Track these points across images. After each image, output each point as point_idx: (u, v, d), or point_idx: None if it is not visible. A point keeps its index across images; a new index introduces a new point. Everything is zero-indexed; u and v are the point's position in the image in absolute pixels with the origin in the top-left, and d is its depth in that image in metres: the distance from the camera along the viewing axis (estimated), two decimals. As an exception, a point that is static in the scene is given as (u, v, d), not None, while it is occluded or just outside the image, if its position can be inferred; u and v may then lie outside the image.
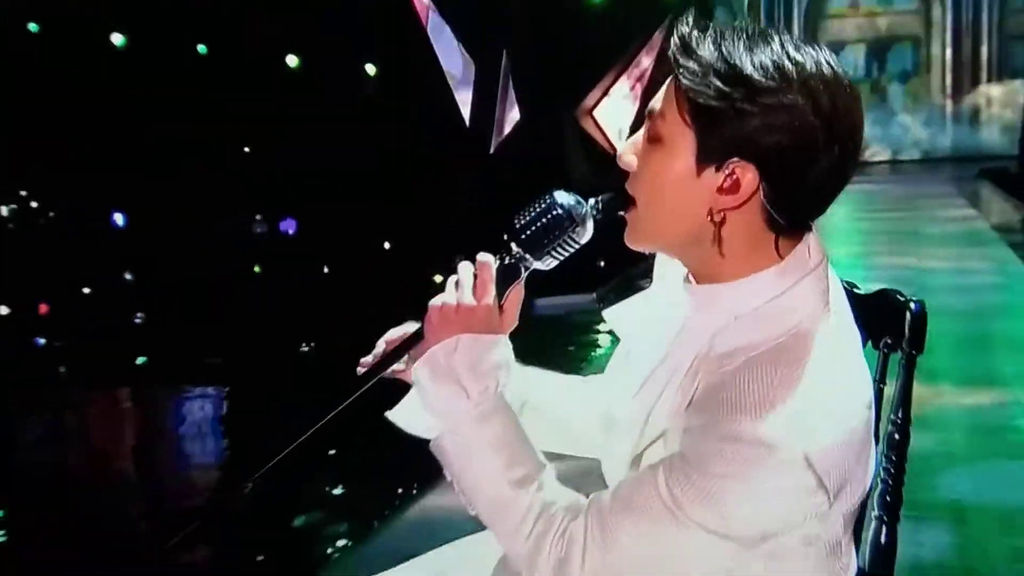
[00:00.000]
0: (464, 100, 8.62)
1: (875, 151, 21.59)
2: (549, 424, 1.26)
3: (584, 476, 1.17)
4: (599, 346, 5.64)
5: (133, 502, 3.76)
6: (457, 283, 1.12)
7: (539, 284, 1.17)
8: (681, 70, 1.02)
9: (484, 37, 8.48)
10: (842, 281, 1.17)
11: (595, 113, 9.88)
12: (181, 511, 3.52)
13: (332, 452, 3.85)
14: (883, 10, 22.51)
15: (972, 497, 3.29)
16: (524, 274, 1.13)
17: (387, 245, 8.48)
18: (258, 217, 9.50)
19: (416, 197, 8.06)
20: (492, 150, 8.80)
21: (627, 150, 1.10)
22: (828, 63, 1.03)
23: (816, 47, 1.05)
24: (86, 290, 7.45)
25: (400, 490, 3.25)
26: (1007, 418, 4.14)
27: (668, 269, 1.21)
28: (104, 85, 8.22)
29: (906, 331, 1.28)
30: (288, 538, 3.29)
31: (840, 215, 10.95)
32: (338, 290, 7.06)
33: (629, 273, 1.29)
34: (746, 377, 1.01)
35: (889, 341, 1.30)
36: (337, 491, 3.69)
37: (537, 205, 1.11)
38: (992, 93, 21.99)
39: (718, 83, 1.00)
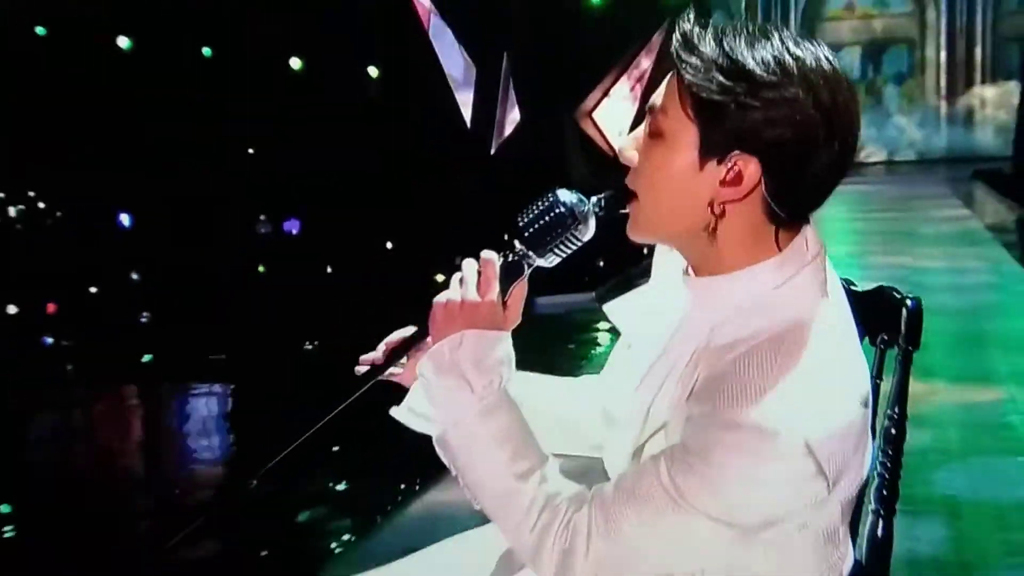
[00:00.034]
0: (465, 102, 8.62)
1: (871, 152, 21.59)
2: (548, 425, 1.26)
3: (584, 475, 1.17)
4: (599, 344, 5.65)
5: (139, 498, 3.77)
6: (461, 280, 1.13)
7: (540, 283, 1.17)
8: (684, 65, 1.03)
9: (485, 40, 8.48)
10: (839, 278, 1.18)
11: (594, 115, 9.88)
12: (186, 507, 3.52)
13: (335, 448, 3.86)
14: (878, 13, 22.52)
15: (967, 492, 3.30)
16: (527, 271, 1.13)
17: (389, 245, 8.49)
18: (262, 217, 9.51)
19: (418, 198, 8.06)
20: (493, 151, 8.80)
21: (628, 146, 1.10)
22: (827, 59, 1.04)
23: (815, 43, 1.05)
24: (93, 289, 7.46)
25: (403, 486, 3.25)
26: (1001, 415, 4.14)
27: (666, 264, 1.21)
28: (110, 87, 8.22)
29: (902, 327, 1.29)
30: (292, 533, 3.29)
31: (836, 215, 10.96)
32: (341, 289, 7.06)
33: (628, 272, 1.29)
34: (746, 366, 1.01)
35: (886, 337, 1.31)
36: (340, 487, 3.70)
37: (540, 203, 1.11)
38: (986, 95, 21.99)
39: (720, 78, 1.01)
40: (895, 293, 1.31)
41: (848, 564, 1.16)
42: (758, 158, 1.03)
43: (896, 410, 1.30)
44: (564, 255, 1.13)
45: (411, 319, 1.18)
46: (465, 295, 1.11)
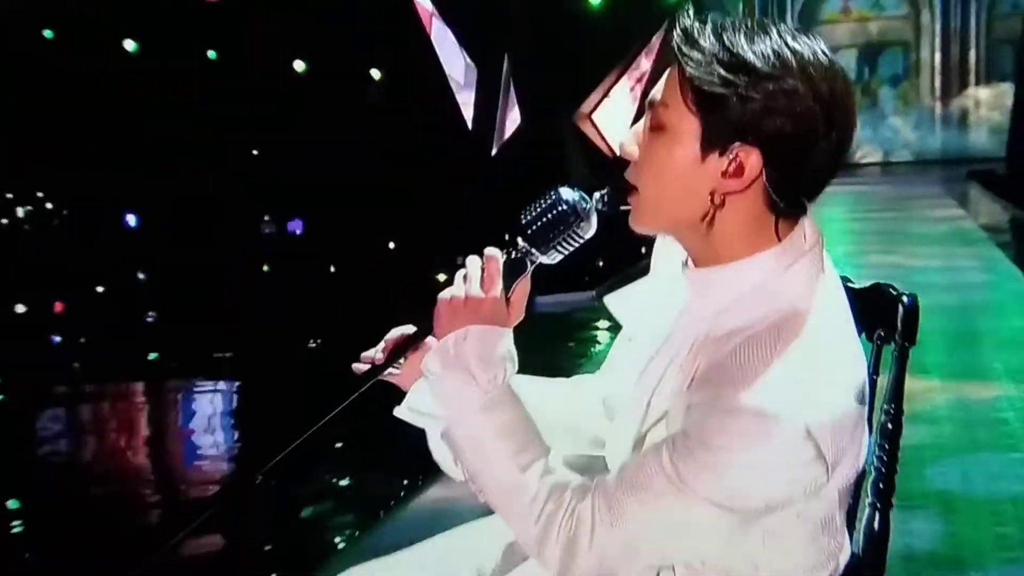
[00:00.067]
0: (467, 103, 8.62)
1: (866, 153, 21.58)
2: (548, 426, 1.26)
3: (586, 472, 1.17)
4: (598, 343, 5.65)
5: (145, 493, 3.77)
6: (465, 276, 1.13)
7: (540, 282, 1.18)
8: (685, 59, 1.03)
9: (485, 42, 8.48)
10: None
11: (594, 116, 9.88)
12: (192, 501, 3.52)
13: (339, 445, 3.86)
14: (874, 16, 22.50)
15: (961, 488, 3.30)
16: (530, 268, 1.13)
17: (391, 245, 8.50)
18: (266, 218, 9.52)
19: (419, 199, 8.07)
20: (494, 152, 8.80)
21: (629, 140, 1.10)
22: (823, 52, 1.05)
23: (811, 37, 1.06)
24: (100, 289, 7.46)
25: (406, 481, 3.24)
26: (994, 411, 4.14)
27: (666, 257, 1.21)
28: (117, 90, 8.22)
29: (899, 324, 1.29)
30: (296, 529, 3.29)
31: (833, 215, 10.95)
32: (344, 288, 7.06)
33: (627, 271, 1.29)
34: (746, 353, 1.01)
35: (882, 333, 1.31)
36: (344, 483, 3.70)
37: (543, 201, 1.12)
38: (980, 96, 21.98)
39: (722, 71, 1.02)
40: (891, 290, 1.31)
41: (844, 556, 1.16)
42: (759, 149, 1.03)
43: (892, 404, 1.30)
44: (566, 252, 1.13)
45: (413, 318, 1.18)
46: (469, 291, 1.11)
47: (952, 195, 14.47)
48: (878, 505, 1.28)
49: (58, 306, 6.99)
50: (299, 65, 8.98)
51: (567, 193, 1.11)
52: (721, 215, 1.06)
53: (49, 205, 8.91)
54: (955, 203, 13.48)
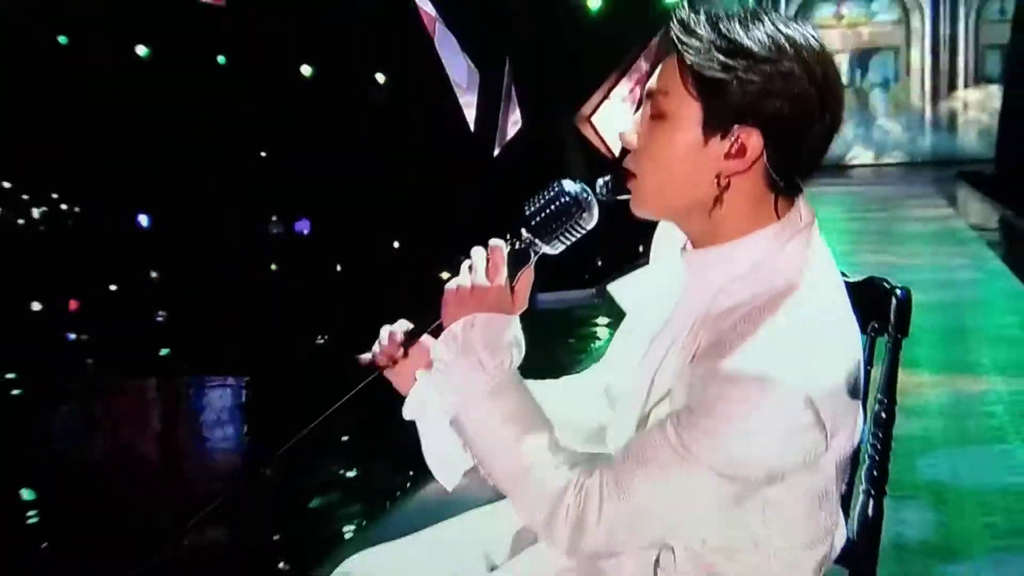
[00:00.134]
0: (469, 106, 8.61)
1: (858, 154, 21.56)
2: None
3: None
4: (598, 339, 5.65)
5: (156, 484, 3.77)
6: (471, 267, 1.13)
7: (541, 280, 1.18)
8: (684, 47, 1.05)
9: (487, 45, 8.47)
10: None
11: (593, 119, 9.86)
12: (202, 493, 3.52)
13: (346, 438, 3.86)
14: (866, 21, 22.47)
15: (951, 478, 3.30)
16: (534, 258, 1.14)
17: (396, 244, 8.50)
18: (274, 218, 9.52)
19: (423, 199, 8.06)
20: (496, 154, 8.79)
21: (629, 130, 1.12)
22: (814, 37, 1.07)
23: (802, 23, 1.09)
24: (113, 287, 7.47)
25: (411, 472, 3.24)
26: (983, 405, 4.15)
27: (666, 244, 1.22)
28: (126, 92, 8.23)
29: (892, 316, 1.29)
30: (304, 518, 3.29)
31: (826, 215, 10.92)
32: (350, 287, 7.06)
33: (627, 270, 1.29)
34: (745, 325, 1.03)
35: (876, 326, 1.31)
36: (351, 473, 3.70)
37: (546, 193, 1.13)
38: (969, 99, 21.95)
39: (721, 56, 1.04)
40: (885, 283, 1.31)
41: (840, 536, 1.17)
42: (760, 130, 1.05)
43: (886, 395, 1.31)
44: (569, 242, 1.13)
45: (415, 315, 1.18)
46: (475, 280, 1.12)
47: (942, 195, 14.45)
48: (872, 492, 1.29)
49: (73, 304, 6.99)
50: (306, 69, 8.98)
51: (569, 185, 1.12)
52: (725, 196, 1.07)
53: (64, 206, 8.91)
54: (945, 203, 13.47)
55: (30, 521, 3.38)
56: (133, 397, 5.11)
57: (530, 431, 1.10)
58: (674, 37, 1.06)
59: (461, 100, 8.54)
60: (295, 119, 8.52)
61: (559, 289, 6.03)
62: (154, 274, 7.93)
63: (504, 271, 1.12)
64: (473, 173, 8.34)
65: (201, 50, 8.67)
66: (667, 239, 1.22)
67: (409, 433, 1.19)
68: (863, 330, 1.31)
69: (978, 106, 21.60)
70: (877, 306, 1.30)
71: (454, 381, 1.11)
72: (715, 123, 1.05)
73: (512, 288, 1.13)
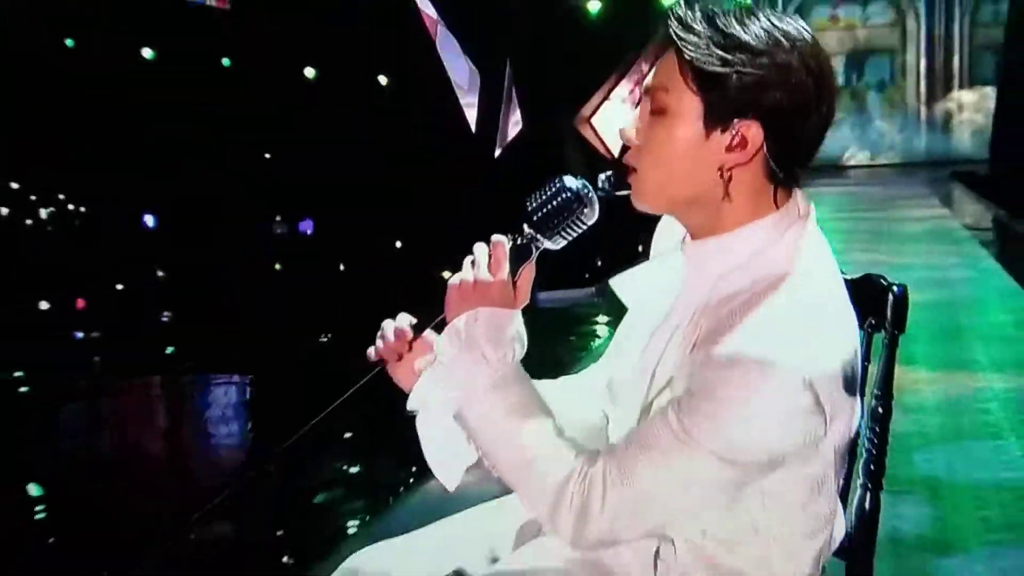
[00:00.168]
0: (470, 107, 8.61)
1: (854, 154, 21.56)
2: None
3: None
4: (598, 337, 5.65)
5: (161, 480, 3.77)
6: (473, 262, 1.13)
7: (542, 279, 1.18)
8: (683, 43, 1.06)
9: (488, 47, 8.47)
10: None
11: (593, 120, 9.85)
12: (207, 489, 3.52)
13: (349, 434, 3.86)
14: (861, 24, 22.47)
15: (946, 474, 3.30)
16: (535, 253, 1.14)
17: (398, 244, 8.50)
18: (278, 218, 9.53)
19: (425, 199, 8.06)
20: (496, 155, 8.79)
21: (629, 126, 1.12)
22: (807, 29, 1.09)
23: (793, 17, 1.10)
24: (119, 287, 7.47)
25: (414, 468, 3.24)
26: (978, 401, 4.15)
27: (666, 239, 1.23)
28: (135, 95, 8.23)
29: (889, 312, 1.29)
30: (307, 514, 3.29)
31: (822, 215, 10.84)
32: (353, 286, 7.06)
33: (628, 266, 1.29)
34: (744, 311, 1.03)
35: (873, 322, 1.31)
36: (354, 469, 3.70)
37: (547, 189, 1.13)
38: (963, 100, 21.94)
39: (719, 51, 1.04)
40: (882, 280, 1.31)
41: (840, 528, 1.17)
42: (759, 122, 1.06)
43: (883, 389, 1.31)
44: (570, 238, 1.13)
45: (418, 314, 1.17)
46: (478, 275, 1.12)
47: (937, 195, 14.44)
48: (869, 486, 1.29)
49: (80, 303, 7.00)
50: (309, 71, 8.98)
51: (570, 181, 1.12)
52: (726, 187, 1.08)
53: (71, 207, 8.91)
54: (939, 203, 13.47)
55: (38, 517, 3.38)
56: (138, 395, 5.11)
57: (533, 423, 1.10)
58: (672, 33, 1.07)
59: (462, 101, 8.54)
60: (298, 120, 8.53)
61: (559, 288, 6.03)
62: (160, 273, 7.93)
63: (506, 266, 1.12)
64: (474, 173, 8.34)
65: (206, 52, 8.67)
66: (668, 234, 1.22)
67: (412, 429, 1.19)
68: (860, 326, 1.31)
69: (972, 107, 21.60)
70: (874, 303, 1.30)
71: (457, 375, 1.11)
72: (716, 117, 1.06)
73: (514, 283, 1.13)
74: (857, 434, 1.19)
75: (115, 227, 8.63)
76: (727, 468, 1.02)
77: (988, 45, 20.86)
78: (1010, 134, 14.37)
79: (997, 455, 3.49)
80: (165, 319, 6.68)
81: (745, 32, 1.05)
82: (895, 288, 1.30)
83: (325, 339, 5.73)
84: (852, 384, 1.06)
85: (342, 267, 8.08)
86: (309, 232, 9.58)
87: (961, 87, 22.12)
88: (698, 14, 1.07)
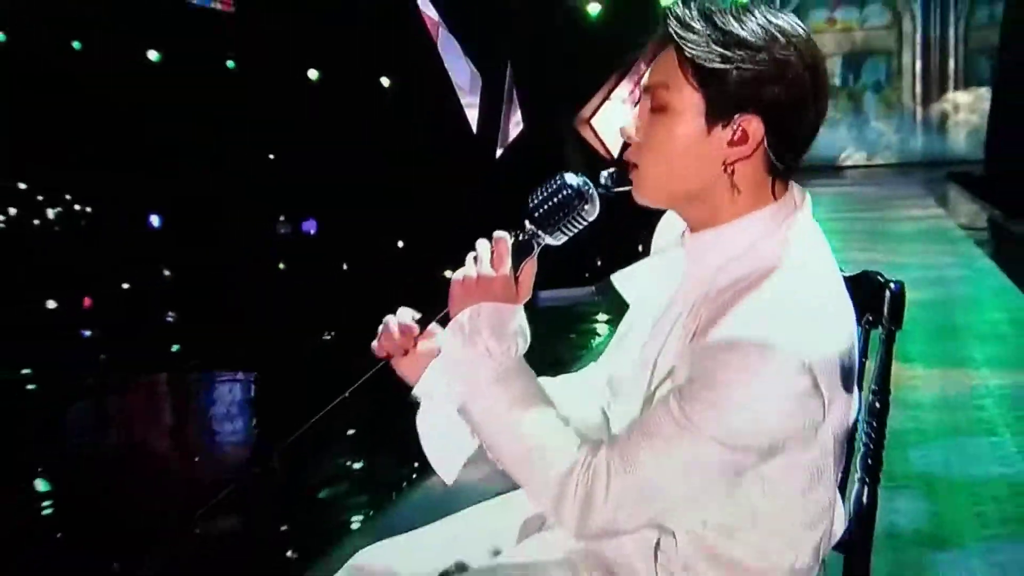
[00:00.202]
0: (471, 109, 8.61)
1: (850, 155, 21.55)
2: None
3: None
4: (598, 335, 5.65)
5: (167, 476, 3.77)
6: (476, 258, 1.13)
7: (543, 278, 1.18)
8: (683, 41, 1.07)
9: (489, 50, 8.47)
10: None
11: (593, 121, 9.85)
12: (212, 484, 3.52)
13: (352, 431, 3.86)
14: (858, 25, 22.46)
15: (942, 470, 3.30)
16: (537, 249, 1.14)
17: (400, 244, 8.50)
18: (282, 219, 9.53)
19: (427, 199, 8.07)
20: (497, 156, 8.79)
21: (630, 124, 1.13)
22: (800, 24, 1.10)
23: (786, 13, 1.11)
24: (125, 286, 7.48)
25: (417, 464, 3.25)
26: (973, 398, 4.15)
27: (667, 234, 1.23)
28: (142, 97, 8.23)
29: (886, 309, 1.29)
30: (311, 509, 3.29)
31: (819, 215, 10.87)
32: (355, 285, 7.07)
33: (628, 264, 1.29)
34: (742, 297, 1.04)
35: (870, 318, 1.31)
36: (358, 465, 3.70)
37: (549, 186, 1.13)
38: (959, 101, 21.92)
39: (719, 48, 1.05)
40: (879, 277, 1.31)
41: (840, 521, 1.17)
42: (760, 116, 1.07)
43: (880, 384, 1.31)
44: (571, 234, 1.14)
45: (421, 311, 1.17)
46: (480, 270, 1.12)
47: (933, 195, 14.43)
48: (867, 480, 1.29)
49: (86, 301, 7.00)
50: (312, 73, 8.98)
51: (571, 178, 1.12)
52: (727, 181, 1.09)
53: (77, 207, 8.92)
54: (935, 203, 13.45)
55: (45, 512, 3.38)
56: (144, 392, 5.11)
57: (537, 415, 1.10)
58: (672, 32, 1.08)
59: (463, 102, 8.54)
60: (301, 121, 8.53)
61: (559, 287, 6.03)
62: (166, 272, 7.94)
63: (509, 261, 1.12)
64: (475, 174, 8.34)
65: (211, 54, 8.67)
66: (668, 231, 1.23)
67: (414, 426, 1.19)
68: (858, 322, 1.31)
69: (968, 108, 21.58)
70: (871, 299, 1.30)
71: (461, 368, 1.11)
72: (717, 112, 1.07)
73: (516, 278, 1.13)
74: (855, 428, 1.19)
75: (121, 227, 8.63)
76: (728, 453, 1.02)
77: (983, 47, 20.85)
78: (1005, 135, 14.36)
79: (992, 451, 3.49)
80: (171, 318, 6.68)
81: (742, 28, 1.06)
82: (892, 284, 1.30)
83: (328, 337, 5.74)
84: (849, 373, 1.07)
85: (345, 266, 8.08)
86: (312, 232, 9.58)
87: (956, 88, 22.10)
88: (695, 12, 1.08)
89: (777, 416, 1.02)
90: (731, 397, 1.00)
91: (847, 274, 1.30)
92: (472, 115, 8.63)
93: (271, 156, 9.26)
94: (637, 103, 1.14)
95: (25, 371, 5.19)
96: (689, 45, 1.06)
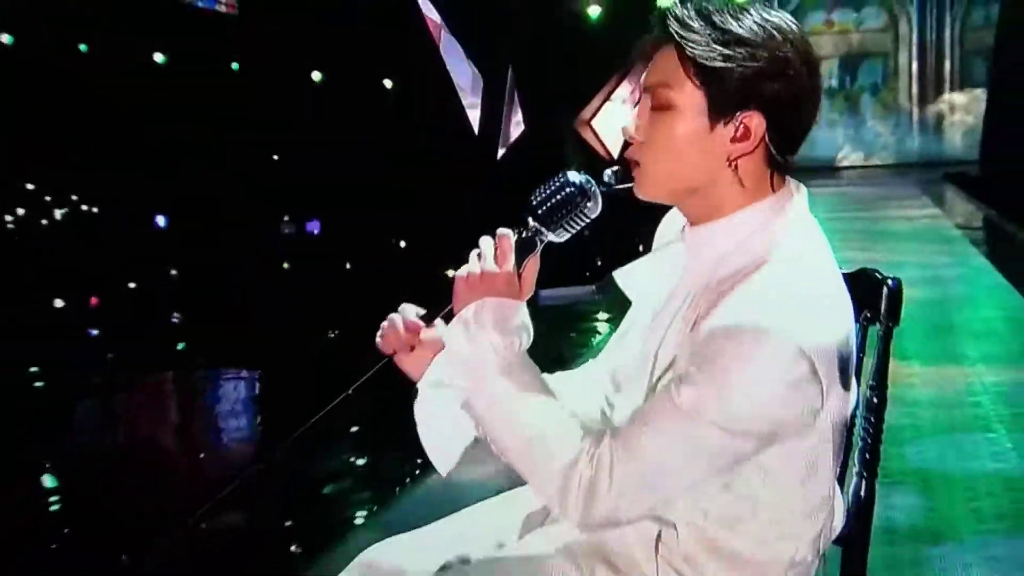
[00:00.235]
0: (473, 110, 8.61)
1: (847, 156, 21.54)
2: None
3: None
4: (598, 333, 5.65)
5: (173, 472, 3.77)
6: (479, 255, 1.14)
7: (544, 277, 1.18)
8: (685, 41, 1.08)
9: (491, 52, 8.47)
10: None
11: (593, 123, 9.86)
12: (217, 480, 3.53)
13: (356, 428, 3.86)
14: (855, 28, 22.44)
15: (938, 465, 3.30)
16: (539, 246, 1.14)
17: (403, 244, 8.51)
18: (286, 219, 9.54)
19: (429, 200, 8.07)
20: (499, 156, 8.79)
21: (632, 124, 1.13)
22: (795, 22, 1.11)
23: (779, 11, 1.12)
24: (132, 285, 7.49)
25: (420, 460, 3.24)
26: (969, 395, 4.15)
27: (668, 231, 1.23)
28: (147, 98, 8.24)
29: (883, 305, 1.29)
30: (315, 504, 3.29)
31: (816, 215, 10.89)
32: (359, 284, 7.07)
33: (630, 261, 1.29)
34: (740, 287, 1.05)
35: (868, 315, 1.31)
36: (361, 461, 3.70)
37: (551, 184, 1.13)
38: (955, 102, 21.91)
39: (720, 47, 1.07)
40: (877, 274, 1.31)
41: (839, 515, 1.17)
42: (760, 112, 1.08)
43: (877, 380, 1.31)
44: (573, 231, 1.14)
45: (425, 308, 1.17)
46: (484, 267, 1.12)
47: (929, 195, 14.42)
48: (864, 474, 1.29)
49: (93, 300, 7.01)
50: (316, 74, 8.98)
51: (574, 176, 1.13)
52: (729, 176, 1.10)
53: (84, 208, 8.92)
54: (932, 203, 13.45)
55: (53, 508, 3.38)
56: (151, 391, 5.11)
57: (540, 407, 1.11)
58: (672, 32, 1.08)
59: (465, 103, 8.54)
60: (305, 122, 8.53)
61: (560, 285, 6.03)
62: (172, 272, 7.95)
63: (512, 258, 1.13)
64: (476, 174, 8.34)
65: (215, 55, 8.68)
66: (669, 228, 1.23)
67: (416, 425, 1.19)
68: (856, 319, 1.30)
69: (964, 109, 21.56)
70: (869, 296, 1.30)
71: (466, 363, 1.11)
72: (719, 110, 1.08)
73: (519, 275, 1.14)
74: (853, 422, 1.19)
75: (128, 227, 8.64)
76: (728, 438, 1.03)
77: (979, 49, 20.83)
78: (1001, 136, 14.36)
79: (987, 447, 3.49)
80: (176, 317, 6.68)
81: (741, 27, 1.07)
82: (890, 281, 1.30)
83: (332, 335, 5.74)
84: (847, 362, 1.07)
85: (348, 266, 8.09)
86: (316, 232, 9.59)
87: (952, 90, 22.08)
88: (693, 12, 1.09)
89: (776, 401, 1.03)
90: (729, 382, 1.01)
91: (845, 272, 1.30)
92: (474, 116, 8.63)
93: (275, 157, 9.27)
94: (637, 103, 1.14)
95: (32, 370, 5.19)
96: (690, 45, 1.07)
